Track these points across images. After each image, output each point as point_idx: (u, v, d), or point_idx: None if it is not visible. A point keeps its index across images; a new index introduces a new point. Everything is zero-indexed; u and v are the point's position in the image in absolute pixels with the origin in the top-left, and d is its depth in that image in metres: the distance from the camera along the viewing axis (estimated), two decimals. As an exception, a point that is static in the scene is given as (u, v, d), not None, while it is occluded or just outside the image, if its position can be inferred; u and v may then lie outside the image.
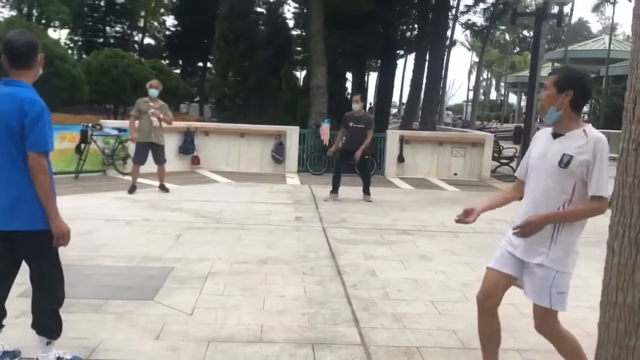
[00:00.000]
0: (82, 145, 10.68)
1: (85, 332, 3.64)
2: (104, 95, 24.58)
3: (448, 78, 44.43)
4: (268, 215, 7.91)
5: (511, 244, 2.92)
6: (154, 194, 9.18)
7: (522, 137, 13.88)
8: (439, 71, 21.68)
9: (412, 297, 4.68)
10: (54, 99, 17.06)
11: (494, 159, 14.49)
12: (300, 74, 30.85)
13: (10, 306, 3.20)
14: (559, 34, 56.77)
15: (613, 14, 77.56)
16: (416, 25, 24.38)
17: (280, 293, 4.62)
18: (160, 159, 9.39)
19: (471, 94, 54.82)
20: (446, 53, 32.40)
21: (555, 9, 14.08)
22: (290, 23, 27.66)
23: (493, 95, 74.20)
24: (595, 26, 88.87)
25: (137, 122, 9.15)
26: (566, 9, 37.35)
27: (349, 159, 9.33)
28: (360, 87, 25.56)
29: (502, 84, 61.37)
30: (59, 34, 39.98)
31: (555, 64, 34.64)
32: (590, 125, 2.82)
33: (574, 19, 62.70)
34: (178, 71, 37.15)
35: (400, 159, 13.30)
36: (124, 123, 11.60)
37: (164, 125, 9.27)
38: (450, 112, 46.30)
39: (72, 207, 6.93)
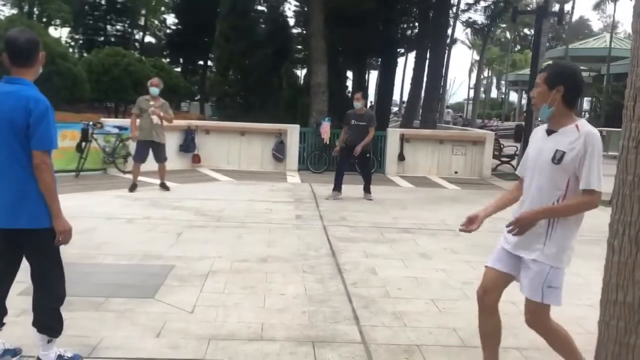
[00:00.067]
0: (83, 144, 10.69)
1: (86, 330, 3.65)
2: (105, 93, 24.56)
3: (449, 76, 44.48)
4: (268, 214, 7.92)
5: (507, 241, 2.92)
6: (155, 192, 9.19)
7: (523, 135, 13.89)
8: (439, 69, 21.65)
9: (413, 295, 4.68)
10: (54, 97, 17.01)
11: (494, 157, 14.47)
12: (301, 72, 30.82)
13: (11, 304, 3.21)
14: (560, 32, 56.64)
15: (614, 12, 77.34)
16: (417, 24, 24.33)
17: (281, 291, 4.62)
18: (160, 157, 9.39)
19: (472, 92, 54.87)
20: (447, 51, 32.42)
21: (556, 7, 14.11)
22: (291, 21, 27.72)
23: (494, 93, 74.12)
24: (596, 24, 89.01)
25: (138, 120, 9.17)
26: (567, 7, 37.41)
27: (351, 156, 9.34)
28: (360, 85, 25.56)
29: (503, 82, 61.30)
30: (60, 33, 40.16)
31: (556, 62, 34.53)
32: (583, 120, 2.82)
33: (575, 17, 62.56)
34: (179, 69, 37.23)
35: (401, 157, 13.29)
36: (124, 121, 11.59)
37: (165, 123, 9.28)
38: (450, 111, 46.20)
39: (73, 205, 6.93)
